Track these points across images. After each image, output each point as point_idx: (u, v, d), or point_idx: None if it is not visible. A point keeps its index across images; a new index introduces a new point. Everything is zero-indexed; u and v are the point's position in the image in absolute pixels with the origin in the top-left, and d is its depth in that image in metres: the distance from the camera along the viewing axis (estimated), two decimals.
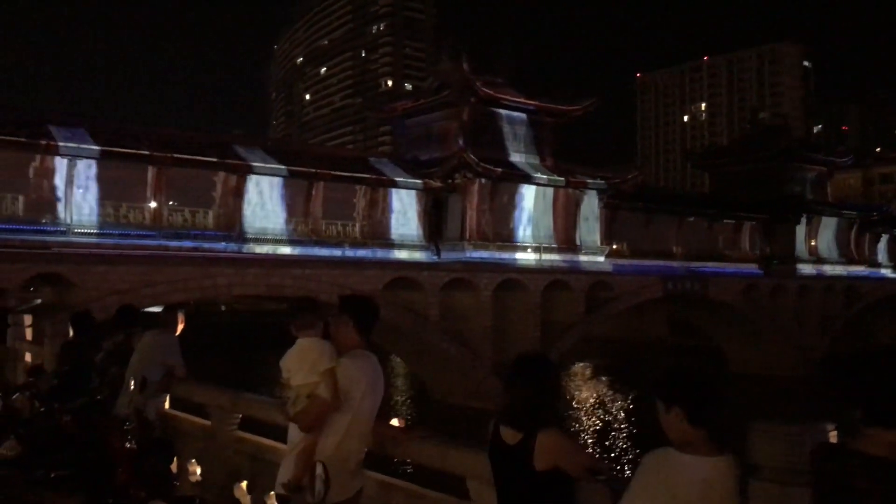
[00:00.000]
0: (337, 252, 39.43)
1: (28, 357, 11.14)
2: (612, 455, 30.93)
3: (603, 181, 49.70)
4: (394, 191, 42.66)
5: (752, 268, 59.31)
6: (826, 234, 65.48)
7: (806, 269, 61.91)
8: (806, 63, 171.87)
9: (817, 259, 64.08)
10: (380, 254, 40.68)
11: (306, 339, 5.27)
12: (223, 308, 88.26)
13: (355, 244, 40.54)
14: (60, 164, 32.76)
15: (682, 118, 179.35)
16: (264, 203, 38.63)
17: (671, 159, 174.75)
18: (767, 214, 60.78)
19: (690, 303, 55.62)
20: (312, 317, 5.59)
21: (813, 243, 64.28)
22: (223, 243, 36.47)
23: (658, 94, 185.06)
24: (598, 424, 38.27)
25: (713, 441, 3.22)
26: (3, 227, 30.66)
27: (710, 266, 55.95)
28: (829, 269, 63.92)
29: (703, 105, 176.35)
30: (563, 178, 47.81)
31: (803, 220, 62.68)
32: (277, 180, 38.81)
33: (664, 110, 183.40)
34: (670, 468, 3.10)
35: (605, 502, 3.68)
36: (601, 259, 49.07)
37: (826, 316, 59.33)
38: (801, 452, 3.44)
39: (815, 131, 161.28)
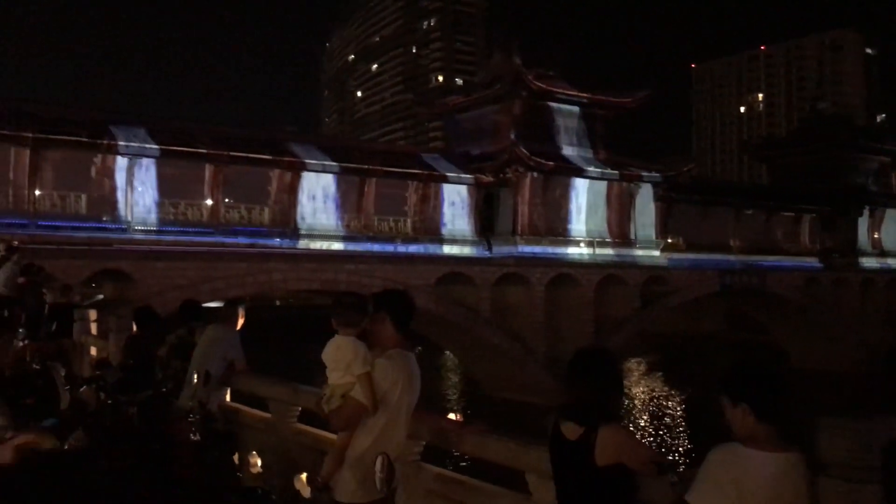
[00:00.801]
0: (389, 247, 39.68)
1: (94, 351, 11.46)
2: (668, 452, 30.53)
3: (657, 174, 49.03)
4: (445, 186, 42.73)
5: (811, 261, 57.88)
6: (891, 227, 63.46)
7: (869, 262, 60.18)
8: (869, 50, 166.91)
9: (881, 252, 62.23)
10: (431, 249, 40.82)
11: (342, 338, 5.27)
12: (278, 303, 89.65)
13: (407, 240, 40.76)
14: (121, 162, 33.61)
15: (739, 109, 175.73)
16: (318, 199, 39.07)
17: (727, 151, 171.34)
18: (828, 206, 59.21)
19: (748, 297, 54.58)
20: (354, 314, 5.59)
21: (876, 236, 62.45)
22: (278, 239, 37.02)
23: (714, 85, 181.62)
24: (653, 421, 37.81)
25: (781, 437, 3.16)
26: (67, 224, 31.58)
27: (769, 260, 54.78)
28: (893, 263, 61.97)
29: (761, 95, 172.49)
30: (616, 171, 47.31)
31: (866, 211, 60.94)
32: (330, 177, 39.20)
33: (720, 101, 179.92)
34: (738, 464, 3.05)
35: (668, 498, 3.64)
36: (656, 253, 48.44)
37: (891, 310, 57.51)
38: (871, 449, 3.36)
39: (878, 120, 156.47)
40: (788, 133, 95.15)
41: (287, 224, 37.85)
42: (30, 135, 31.34)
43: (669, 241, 50.60)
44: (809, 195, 59.15)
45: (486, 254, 42.71)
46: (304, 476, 6.71)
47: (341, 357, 5.29)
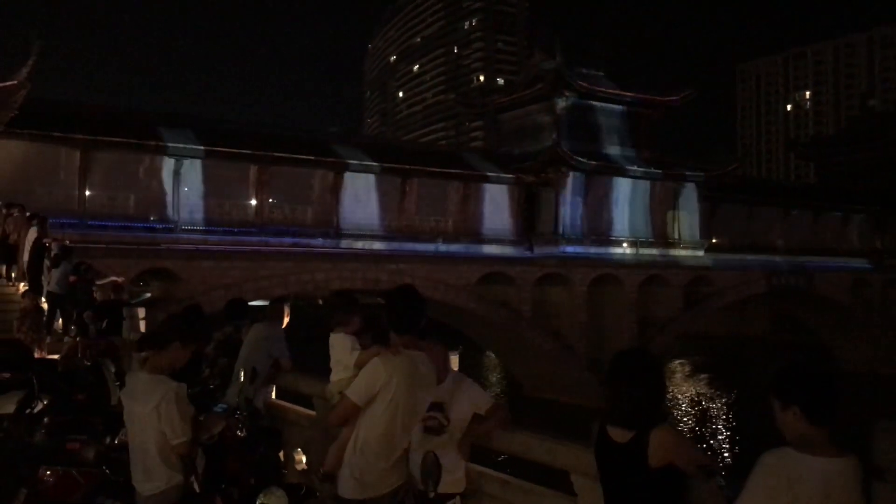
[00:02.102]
0: (430, 247, 39.78)
1: None
2: (713, 455, 30.10)
3: (701, 173, 48.37)
4: (486, 186, 42.70)
5: (861, 262, 56.55)
6: None
7: None
8: None
9: None
10: (472, 249, 40.81)
11: (335, 336, 5.35)
12: (321, 302, 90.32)
13: (448, 239, 40.80)
14: (168, 163, 34.22)
15: (785, 107, 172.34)
16: (360, 199, 39.37)
17: (773, 150, 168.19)
18: (879, 206, 57.79)
19: (794, 298, 53.56)
20: (343, 313, 5.67)
21: None
22: (320, 239, 37.34)
23: (759, 83, 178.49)
24: (697, 424, 37.29)
25: (834, 441, 3.09)
26: (116, 224, 32.25)
27: (816, 260, 53.68)
28: None
29: (808, 93, 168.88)
30: (659, 171, 46.80)
31: None
32: (372, 177, 39.47)
33: (765, 99, 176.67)
34: (791, 468, 2.99)
35: (717, 502, 3.58)
36: (700, 253, 47.80)
37: None
38: None
39: None
40: (837, 131, 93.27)
41: (330, 224, 38.18)
42: (80, 136, 32.11)
43: (714, 241, 49.90)
44: (859, 194, 57.85)
45: (528, 254, 42.58)
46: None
47: (336, 355, 5.38)
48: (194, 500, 4.83)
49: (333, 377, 5.32)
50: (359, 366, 5.13)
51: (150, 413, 4.64)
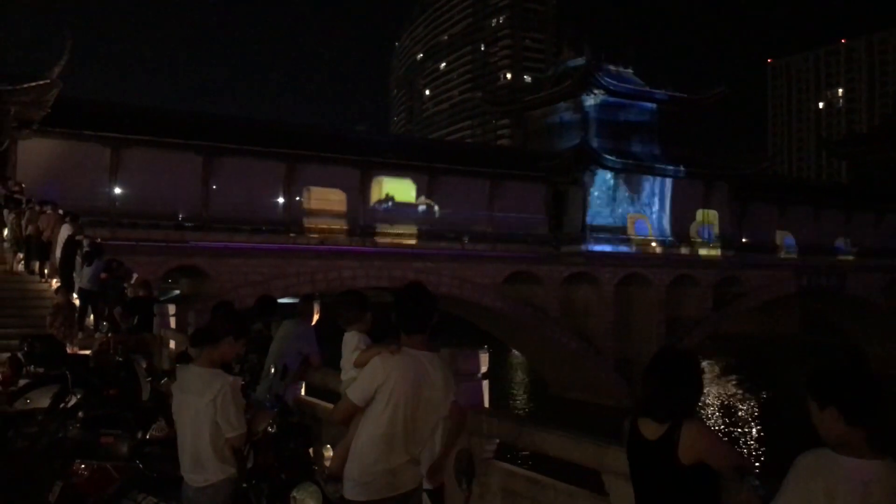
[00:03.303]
0: (457, 245, 39.75)
1: (173, 344, 11.77)
2: (747, 455, 29.76)
3: (732, 172, 47.86)
4: (513, 184, 42.57)
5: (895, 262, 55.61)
6: None
7: None
8: None
9: None
10: (500, 247, 40.70)
11: (348, 334, 5.36)
12: None
13: (475, 238, 40.76)
14: (196, 160, 34.48)
15: (817, 105, 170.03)
16: (386, 197, 39.53)
17: (804, 148, 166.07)
18: None
19: (826, 299, 52.83)
20: (350, 311, 5.69)
21: None
22: (347, 237, 37.46)
23: (791, 80, 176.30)
24: (729, 424, 36.92)
25: (872, 443, 3.03)
26: (146, 221, 32.60)
27: (849, 260, 52.88)
28: None
29: (840, 91, 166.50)
30: (689, 169, 46.39)
31: None
32: (399, 174, 39.56)
33: (797, 97, 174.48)
34: (829, 470, 2.94)
35: (754, 503, 3.53)
36: (730, 253, 47.30)
37: None
38: None
39: None
40: (871, 129, 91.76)
41: (356, 222, 38.32)
42: (111, 135, 32.50)
43: (744, 240, 49.36)
44: (893, 193, 56.90)
45: (555, 252, 42.41)
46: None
47: (346, 354, 5.40)
48: (244, 493, 4.92)
49: (343, 376, 5.32)
50: (358, 365, 5.06)
51: (207, 405, 4.71)
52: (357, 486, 4.25)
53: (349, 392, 4.39)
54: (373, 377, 4.27)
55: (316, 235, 36.22)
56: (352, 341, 5.67)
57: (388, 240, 38.53)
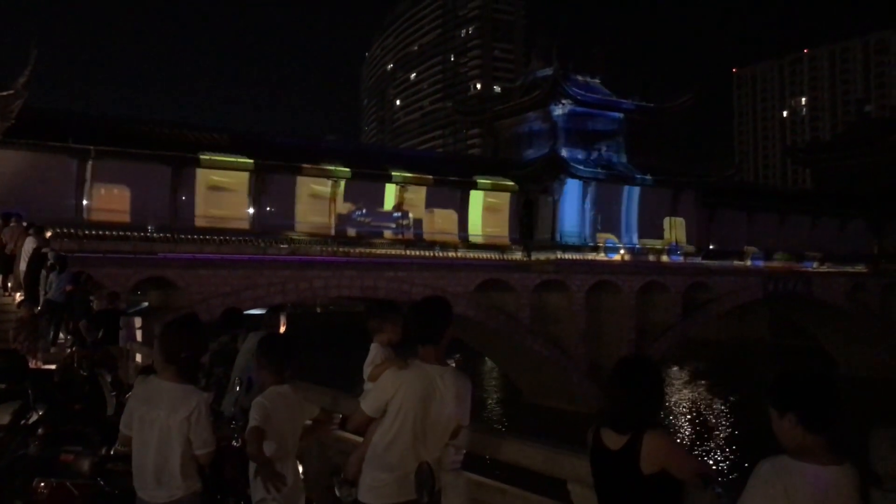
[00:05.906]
0: (429, 254, 39.71)
1: (139, 357, 11.63)
2: (711, 463, 30.01)
3: (699, 179, 48.43)
4: (484, 193, 42.71)
5: (859, 267, 56.57)
6: None
7: None
8: None
9: None
10: (471, 255, 40.75)
11: (373, 344, 5.55)
12: (319, 310, 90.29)
13: (447, 246, 40.76)
14: (165, 171, 34.12)
15: (782, 113, 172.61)
16: (357, 207, 39.43)
17: (770, 155, 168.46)
18: (875, 211, 57.84)
19: (793, 303, 53.56)
20: (380, 321, 5.79)
21: None
22: (318, 247, 37.24)
23: (756, 89, 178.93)
24: (695, 430, 37.22)
25: (831, 449, 3.06)
26: (114, 233, 32.14)
27: (814, 265, 53.69)
28: None
29: (804, 99, 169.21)
30: (657, 177, 46.85)
31: None
32: (369, 184, 39.49)
33: (762, 105, 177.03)
34: (789, 476, 2.96)
35: None
36: (698, 259, 47.79)
37: None
38: None
39: None
40: (834, 137, 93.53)
41: (327, 231, 38.14)
42: (77, 146, 31.98)
43: (712, 247, 49.92)
44: (856, 200, 57.92)
45: (526, 260, 42.55)
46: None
47: (365, 365, 5.55)
48: None
49: (365, 387, 5.58)
50: (371, 380, 5.42)
51: (181, 423, 4.63)
52: (368, 490, 4.54)
53: (362, 404, 4.73)
54: (383, 391, 4.57)
55: (285, 246, 35.87)
56: (371, 353, 5.88)
57: (358, 249, 38.37)
